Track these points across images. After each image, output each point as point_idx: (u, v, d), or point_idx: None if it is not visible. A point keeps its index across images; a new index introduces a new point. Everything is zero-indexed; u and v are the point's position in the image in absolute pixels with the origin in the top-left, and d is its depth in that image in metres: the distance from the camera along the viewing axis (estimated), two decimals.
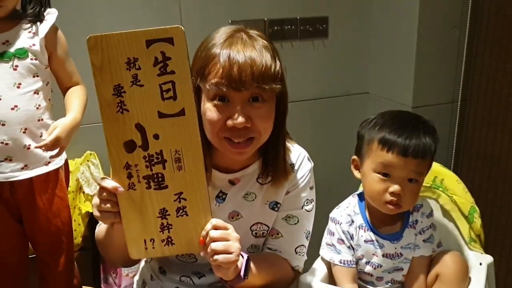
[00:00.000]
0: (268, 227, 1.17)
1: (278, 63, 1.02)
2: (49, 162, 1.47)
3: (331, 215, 1.35)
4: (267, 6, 2.04)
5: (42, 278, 1.59)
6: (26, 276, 1.56)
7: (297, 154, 1.18)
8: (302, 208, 1.18)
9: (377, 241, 1.30)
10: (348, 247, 1.31)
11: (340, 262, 1.30)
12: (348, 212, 1.34)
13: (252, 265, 1.05)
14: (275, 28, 2.07)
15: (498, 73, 2.00)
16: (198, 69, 1.00)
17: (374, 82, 2.32)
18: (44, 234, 1.52)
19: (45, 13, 1.44)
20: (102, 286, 1.91)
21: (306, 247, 1.22)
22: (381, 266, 1.31)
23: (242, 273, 0.99)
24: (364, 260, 1.32)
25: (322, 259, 1.37)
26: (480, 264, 1.36)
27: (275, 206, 1.16)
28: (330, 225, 1.34)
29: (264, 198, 1.15)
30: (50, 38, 1.45)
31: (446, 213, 1.45)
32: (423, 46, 2.01)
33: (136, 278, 1.37)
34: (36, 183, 1.46)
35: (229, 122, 0.99)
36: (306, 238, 1.21)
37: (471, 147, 2.12)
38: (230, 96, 0.98)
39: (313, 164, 1.20)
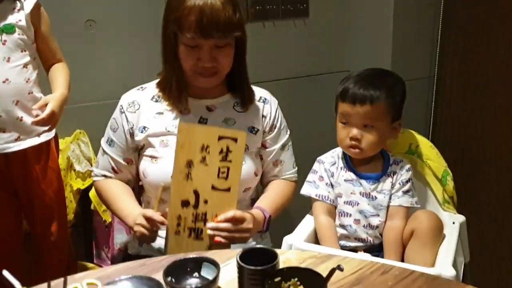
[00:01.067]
0: (248, 147, 1.41)
1: (238, 15, 1.30)
2: (41, 134, 1.53)
3: (318, 158, 1.51)
4: None
5: (37, 253, 1.65)
6: (21, 250, 1.62)
7: (262, 91, 1.52)
8: (287, 134, 1.54)
9: (356, 180, 1.42)
10: (327, 184, 1.45)
11: (317, 196, 1.44)
12: (332, 155, 1.49)
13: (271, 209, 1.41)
14: (257, 8, 2.13)
15: (470, 49, 2.10)
16: (174, 18, 1.29)
17: (354, 60, 2.38)
18: (38, 204, 1.58)
19: None
20: (95, 261, 1.97)
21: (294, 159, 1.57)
22: (358, 203, 1.41)
23: (264, 228, 1.39)
24: (343, 199, 1.43)
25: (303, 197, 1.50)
26: (453, 223, 1.45)
27: (252, 129, 1.44)
28: (315, 165, 1.50)
29: (243, 124, 1.43)
30: (35, 14, 1.51)
31: (421, 177, 1.55)
32: (399, 24, 2.09)
33: (131, 242, 1.53)
34: (30, 155, 1.53)
35: (199, 64, 1.31)
36: (293, 154, 1.57)
37: (446, 119, 2.23)
38: (199, 43, 1.29)
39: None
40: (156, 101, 1.42)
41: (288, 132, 1.54)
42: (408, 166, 1.44)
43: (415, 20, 2.12)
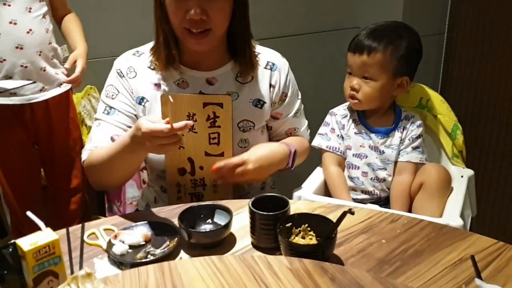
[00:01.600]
0: (254, 123, 1.27)
1: None
2: (61, 84, 1.56)
3: (331, 110, 1.51)
4: None
5: (53, 204, 1.69)
6: (39, 200, 1.66)
7: (271, 53, 1.32)
8: (298, 99, 1.39)
9: (366, 133, 1.43)
10: (338, 136, 1.46)
11: (327, 147, 1.46)
12: (344, 108, 1.50)
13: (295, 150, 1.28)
14: None
15: (483, 6, 2.07)
16: None
17: (364, 16, 2.36)
18: (58, 153, 1.62)
19: None
20: (107, 214, 2.01)
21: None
22: (366, 156, 1.42)
23: (290, 165, 1.27)
24: (352, 151, 1.44)
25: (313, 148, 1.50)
26: (462, 176, 1.46)
27: (258, 103, 1.27)
28: (327, 117, 1.51)
29: (247, 97, 1.26)
30: None
31: (431, 131, 1.55)
32: None
33: (139, 201, 1.46)
34: (51, 105, 1.56)
35: (187, 16, 1.11)
36: (304, 116, 1.44)
37: (458, 74, 2.22)
38: None
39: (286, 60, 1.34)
40: (153, 68, 1.24)
41: (300, 96, 1.40)
42: (419, 122, 1.44)
43: None
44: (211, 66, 1.24)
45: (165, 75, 1.24)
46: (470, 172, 1.49)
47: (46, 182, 1.69)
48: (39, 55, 1.48)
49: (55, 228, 1.57)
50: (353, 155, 1.44)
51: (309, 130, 1.47)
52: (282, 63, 1.32)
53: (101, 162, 1.15)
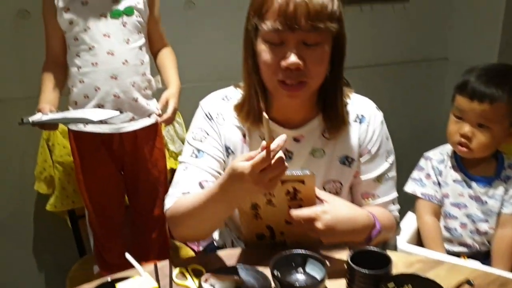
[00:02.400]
0: (341, 184, 1.15)
1: (336, 2, 1.00)
2: (150, 114, 1.57)
3: (425, 153, 1.42)
4: None
5: (136, 228, 1.70)
6: (123, 223, 1.68)
7: (363, 104, 1.15)
8: (387, 161, 1.16)
9: (465, 181, 1.33)
10: (434, 183, 1.36)
11: (422, 195, 1.36)
12: (441, 152, 1.40)
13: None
14: None
15: None
16: (256, 8, 1.02)
17: (454, 48, 2.26)
18: (143, 183, 1.63)
19: None
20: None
21: (397, 195, 1.20)
22: (466, 206, 1.32)
23: (368, 240, 1.05)
24: (450, 200, 1.35)
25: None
26: None
27: (345, 160, 1.13)
28: (421, 162, 1.41)
29: (334, 154, 1.13)
30: None
31: None
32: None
33: (216, 237, 1.38)
34: (140, 135, 1.58)
35: (283, 63, 0.99)
36: (395, 187, 1.20)
37: None
38: (285, 37, 0.98)
39: (382, 113, 1.17)
40: None
41: (391, 159, 1.17)
42: None
43: None
44: (299, 122, 1.12)
45: (251, 128, 1.13)
46: None
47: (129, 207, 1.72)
48: (133, 85, 1.50)
49: (135, 250, 1.60)
50: (451, 204, 1.34)
51: (398, 206, 1.20)
52: (372, 115, 1.15)
53: (187, 213, 1.03)
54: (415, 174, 1.41)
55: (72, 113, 1.43)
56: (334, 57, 1.04)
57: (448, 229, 1.34)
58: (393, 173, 1.18)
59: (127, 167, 1.62)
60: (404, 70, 2.25)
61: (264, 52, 1.01)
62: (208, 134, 1.14)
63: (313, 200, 1.03)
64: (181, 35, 1.92)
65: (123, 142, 1.57)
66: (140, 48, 1.52)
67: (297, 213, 1.00)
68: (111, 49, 1.46)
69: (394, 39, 2.20)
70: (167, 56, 1.62)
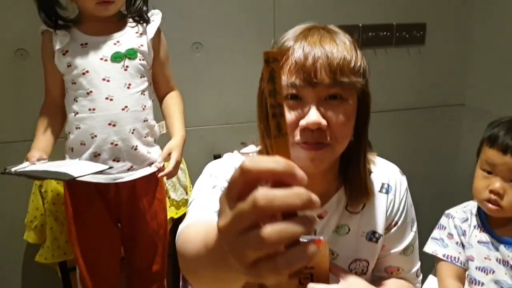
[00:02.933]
0: (368, 262, 1.02)
1: (360, 56, 0.87)
2: (151, 163, 1.46)
3: (447, 211, 1.32)
4: (362, 12, 1.96)
5: (132, 280, 1.58)
6: (118, 277, 1.56)
7: (388, 171, 1.03)
8: (412, 231, 1.05)
9: (492, 243, 1.22)
10: (457, 243, 1.25)
11: (444, 256, 1.25)
12: (464, 210, 1.30)
13: None
14: (370, 34, 1.97)
15: None
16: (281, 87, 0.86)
17: (471, 93, 2.17)
18: (140, 236, 1.51)
19: (149, 14, 1.44)
20: None
21: (420, 263, 1.10)
22: (493, 272, 1.20)
23: None
24: (475, 264, 1.23)
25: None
26: None
27: (372, 236, 1.00)
28: (442, 220, 1.31)
29: (360, 229, 1.00)
30: (157, 39, 1.45)
31: None
32: None
33: None
34: (139, 185, 1.46)
35: (302, 122, 0.84)
36: (418, 255, 1.09)
37: None
38: (304, 94, 0.84)
39: (405, 177, 1.06)
40: None
41: (415, 227, 1.06)
42: None
43: None
44: (321, 197, 0.93)
45: None
46: None
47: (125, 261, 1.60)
48: (132, 133, 1.40)
49: None
50: (476, 268, 1.22)
51: (420, 276, 1.10)
52: (398, 183, 1.03)
53: (186, 256, 0.71)
54: (436, 233, 1.29)
55: (57, 165, 1.30)
56: (358, 118, 0.90)
57: None
58: (417, 242, 1.07)
59: (124, 219, 1.51)
60: (420, 115, 2.16)
61: None
62: (216, 185, 0.93)
63: (326, 269, 0.91)
64: (188, 77, 1.84)
65: (120, 192, 1.46)
66: (142, 92, 1.41)
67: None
68: (110, 94, 1.36)
69: (409, 84, 2.11)
70: (173, 102, 1.51)
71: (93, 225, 1.47)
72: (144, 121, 1.43)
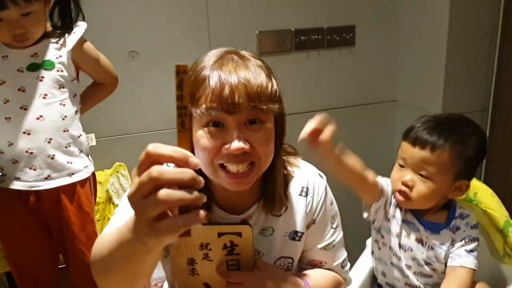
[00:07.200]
0: (293, 259, 1.10)
1: (274, 82, 0.93)
2: (72, 174, 1.49)
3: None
4: (294, 17, 2.04)
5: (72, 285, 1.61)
6: (56, 284, 1.59)
7: (307, 174, 1.10)
8: (332, 228, 1.13)
9: (414, 224, 1.29)
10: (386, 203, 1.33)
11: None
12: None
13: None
14: (302, 37, 2.06)
15: None
16: (188, 94, 0.91)
17: (401, 90, 2.29)
18: (71, 247, 1.54)
19: (75, 26, 1.47)
20: None
21: (346, 254, 1.19)
22: (411, 249, 1.29)
23: None
24: (396, 240, 1.30)
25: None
26: None
27: (295, 235, 1.08)
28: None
29: (283, 230, 1.07)
30: (77, 51, 1.48)
31: (480, 227, 1.42)
32: (453, 53, 1.98)
33: (165, 283, 1.31)
34: (62, 195, 1.48)
35: (225, 148, 0.88)
36: (343, 247, 1.18)
37: (502, 155, 2.08)
38: (224, 121, 0.88)
39: (325, 178, 1.13)
40: None
41: (336, 223, 1.14)
42: (474, 223, 1.29)
43: (470, 50, 2.00)
44: (245, 207, 1.04)
45: None
46: None
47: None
48: (49, 142, 1.43)
49: None
50: (398, 245, 1.31)
51: (348, 265, 1.18)
52: (316, 185, 1.09)
53: (100, 258, 0.79)
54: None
55: None
56: (275, 138, 0.96)
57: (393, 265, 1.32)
58: (339, 237, 1.14)
59: (52, 228, 1.54)
60: (353, 113, 2.27)
61: (203, 138, 0.89)
62: None
63: (250, 256, 1.00)
64: (125, 85, 1.88)
65: (41, 200, 1.48)
66: (61, 103, 1.45)
67: (225, 274, 0.98)
68: (25, 104, 1.40)
69: (342, 84, 2.22)
70: (95, 95, 1.64)
71: (19, 232, 1.50)
72: (64, 131, 1.45)
